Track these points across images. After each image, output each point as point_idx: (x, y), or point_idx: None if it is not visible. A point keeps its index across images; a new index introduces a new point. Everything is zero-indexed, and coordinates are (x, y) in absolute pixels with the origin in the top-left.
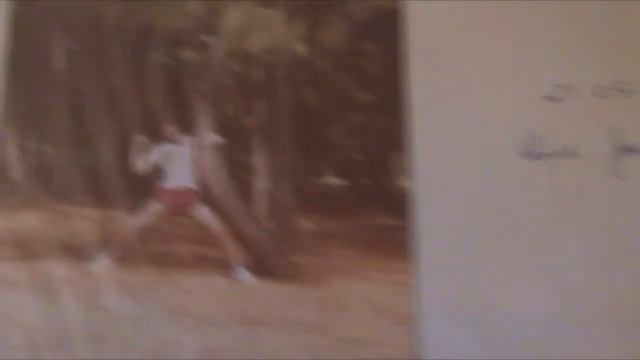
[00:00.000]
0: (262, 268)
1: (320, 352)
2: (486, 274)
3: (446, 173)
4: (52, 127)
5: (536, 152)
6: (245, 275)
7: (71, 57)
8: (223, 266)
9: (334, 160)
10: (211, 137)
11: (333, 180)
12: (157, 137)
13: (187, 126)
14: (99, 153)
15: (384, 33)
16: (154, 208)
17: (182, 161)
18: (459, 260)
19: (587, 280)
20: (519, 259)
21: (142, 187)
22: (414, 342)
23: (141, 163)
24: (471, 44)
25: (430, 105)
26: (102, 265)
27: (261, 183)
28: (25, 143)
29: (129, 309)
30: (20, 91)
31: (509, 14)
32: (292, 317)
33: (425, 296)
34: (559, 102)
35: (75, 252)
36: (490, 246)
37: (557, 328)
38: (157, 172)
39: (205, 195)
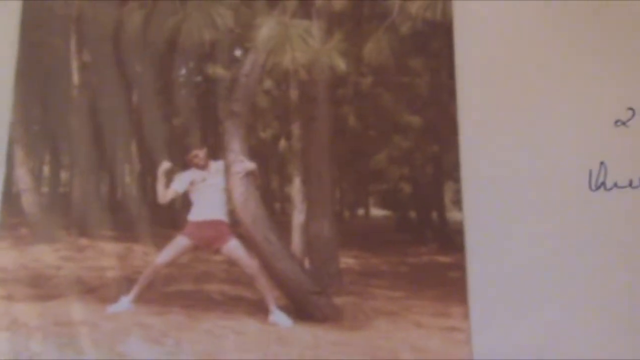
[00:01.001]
0: (300, 310)
1: None
2: (545, 317)
3: (500, 206)
4: (68, 151)
5: (606, 184)
6: (280, 319)
7: (89, 71)
8: (256, 308)
9: (379, 189)
10: (243, 163)
11: (377, 213)
12: (184, 163)
13: (216, 151)
14: (121, 181)
15: (433, 48)
16: (181, 243)
17: (211, 190)
18: (514, 302)
19: None
20: (582, 300)
21: (168, 219)
22: None
23: (167, 192)
24: (530, 60)
25: (482, 129)
26: (123, 307)
27: (298, 215)
28: (39, 168)
29: (153, 356)
30: (31, 108)
31: (571, 29)
32: None
33: (478, 343)
34: (631, 127)
35: (94, 292)
36: (551, 287)
37: None
38: (184, 202)
39: (236, 228)
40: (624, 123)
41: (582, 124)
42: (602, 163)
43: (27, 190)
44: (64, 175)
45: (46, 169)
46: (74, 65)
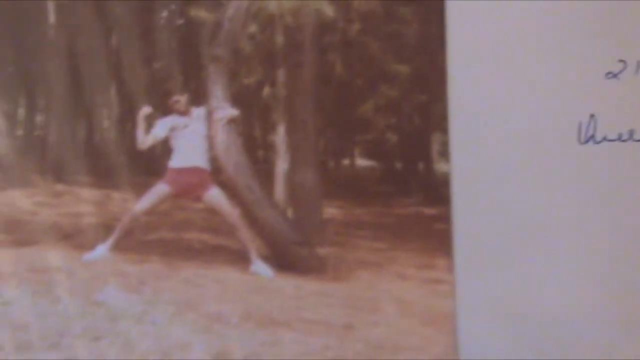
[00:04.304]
0: (282, 261)
1: (346, 357)
2: (530, 271)
3: (488, 158)
4: (44, 93)
5: (596, 137)
6: (262, 269)
7: (67, 12)
8: (237, 258)
9: (364, 139)
10: (226, 110)
11: (363, 163)
12: (164, 108)
13: (198, 97)
14: (99, 125)
15: None
16: (160, 190)
17: (192, 137)
18: (499, 256)
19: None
20: (568, 255)
21: (147, 165)
22: (450, 347)
23: (147, 138)
24: (521, 11)
25: (472, 79)
26: (101, 254)
27: (281, 164)
28: (13, 110)
29: (131, 305)
30: (5, 48)
31: None
32: (314, 317)
33: (461, 295)
34: (622, 80)
35: (71, 239)
36: (537, 241)
37: (601, 328)
38: (165, 148)
39: (217, 176)
40: (615, 75)
41: (573, 76)
42: (592, 116)
43: (1, 133)
44: (39, 118)
45: (21, 112)
46: (51, 4)
